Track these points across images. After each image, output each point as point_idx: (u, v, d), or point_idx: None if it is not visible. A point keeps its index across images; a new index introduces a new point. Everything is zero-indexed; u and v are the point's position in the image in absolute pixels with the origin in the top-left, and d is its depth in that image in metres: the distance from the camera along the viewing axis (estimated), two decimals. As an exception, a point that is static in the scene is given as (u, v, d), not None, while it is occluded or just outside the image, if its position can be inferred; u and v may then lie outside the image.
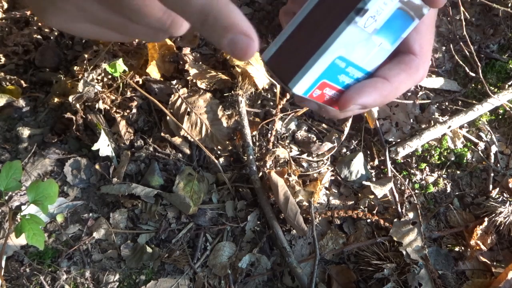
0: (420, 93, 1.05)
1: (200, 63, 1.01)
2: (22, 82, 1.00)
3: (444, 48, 1.07)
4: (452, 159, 1.00)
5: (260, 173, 0.94)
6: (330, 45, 0.33)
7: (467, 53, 1.05)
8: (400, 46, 0.37)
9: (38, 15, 0.32)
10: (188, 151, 0.97)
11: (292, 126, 1.01)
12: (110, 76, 0.97)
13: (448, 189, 0.99)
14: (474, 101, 1.03)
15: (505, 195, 0.96)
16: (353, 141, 1.01)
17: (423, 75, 0.38)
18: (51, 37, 1.03)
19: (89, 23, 0.32)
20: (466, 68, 1.04)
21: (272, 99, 1.02)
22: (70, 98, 0.93)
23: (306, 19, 0.35)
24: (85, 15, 0.31)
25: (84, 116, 0.96)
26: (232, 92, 0.99)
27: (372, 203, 0.96)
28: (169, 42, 0.98)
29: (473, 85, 1.06)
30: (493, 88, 1.04)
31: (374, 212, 0.95)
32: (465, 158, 1.00)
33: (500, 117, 1.04)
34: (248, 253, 0.90)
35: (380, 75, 0.36)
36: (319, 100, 0.37)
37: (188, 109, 0.96)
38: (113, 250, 0.91)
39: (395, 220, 0.93)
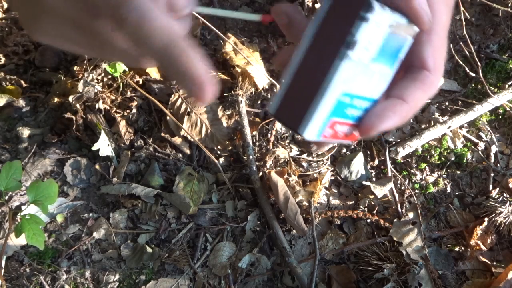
0: (420, 93, 1.05)
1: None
2: (22, 82, 1.00)
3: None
4: (452, 159, 1.00)
5: (260, 173, 0.94)
6: (329, 85, 0.33)
7: (467, 53, 1.05)
8: (412, 60, 0.37)
9: (25, 28, 0.34)
10: (188, 151, 0.97)
11: (292, 126, 1.01)
12: (110, 76, 0.97)
13: (448, 189, 0.99)
14: (474, 101, 1.03)
15: (505, 195, 0.96)
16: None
17: (436, 89, 0.38)
18: (51, 37, 1.03)
19: (70, 42, 0.33)
20: (466, 68, 1.04)
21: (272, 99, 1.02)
22: (70, 98, 0.93)
23: (301, 64, 0.35)
24: (65, 37, 0.32)
25: (84, 116, 0.96)
26: (232, 92, 0.99)
27: (372, 203, 0.96)
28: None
29: (473, 85, 1.06)
30: (493, 88, 1.04)
31: (374, 212, 0.95)
32: (465, 158, 1.00)
33: (500, 117, 1.04)
34: (248, 253, 0.90)
35: (397, 95, 0.36)
36: (334, 138, 0.37)
37: (188, 109, 0.96)
38: (113, 250, 0.91)
39: (395, 220, 0.93)
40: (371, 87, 0.35)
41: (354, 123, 0.37)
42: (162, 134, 0.96)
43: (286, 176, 0.92)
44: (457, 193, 0.98)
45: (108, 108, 0.97)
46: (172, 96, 0.97)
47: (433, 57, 0.37)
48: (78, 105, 0.94)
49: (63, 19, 0.30)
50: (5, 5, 1.05)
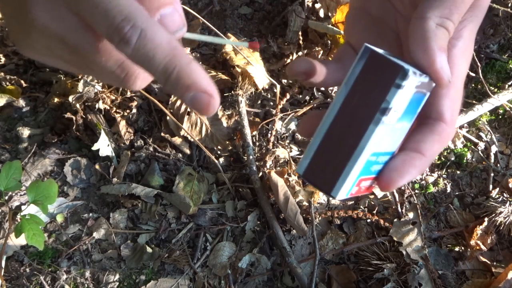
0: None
1: (200, 63, 1.01)
2: (22, 82, 1.00)
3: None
4: (452, 159, 1.00)
5: (260, 173, 0.94)
6: (363, 149, 0.34)
7: (467, 53, 1.05)
8: (430, 112, 0.37)
9: (14, 43, 0.34)
10: (188, 151, 0.97)
11: (292, 126, 1.01)
12: (110, 76, 0.97)
13: (448, 189, 0.99)
14: (474, 101, 1.03)
15: (505, 195, 0.96)
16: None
17: (450, 140, 0.38)
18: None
19: (59, 60, 0.33)
20: (466, 68, 1.04)
21: (272, 99, 1.02)
22: (70, 98, 0.93)
23: (332, 126, 0.35)
24: (55, 55, 0.33)
25: (84, 116, 0.96)
26: (232, 92, 0.99)
27: (372, 203, 0.96)
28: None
29: (473, 85, 1.06)
30: (493, 88, 1.04)
31: (374, 212, 0.95)
32: (465, 158, 1.00)
33: (500, 117, 1.04)
34: (248, 253, 0.90)
35: (415, 149, 0.36)
36: (357, 194, 0.37)
37: (188, 109, 0.96)
38: (113, 250, 0.91)
39: (395, 220, 0.93)
40: (393, 142, 0.36)
41: (375, 177, 0.37)
42: (162, 134, 0.96)
43: (286, 176, 0.92)
44: (457, 193, 0.98)
45: (108, 108, 0.97)
46: (172, 96, 0.97)
47: (451, 109, 0.37)
48: (78, 105, 0.94)
49: (52, 37, 0.31)
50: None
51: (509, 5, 1.08)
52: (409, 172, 0.36)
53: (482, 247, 0.91)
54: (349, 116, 0.35)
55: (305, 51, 1.02)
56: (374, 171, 0.37)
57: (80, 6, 0.29)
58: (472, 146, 1.01)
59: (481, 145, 1.02)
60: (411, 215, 0.93)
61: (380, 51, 0.34)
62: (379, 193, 0.95)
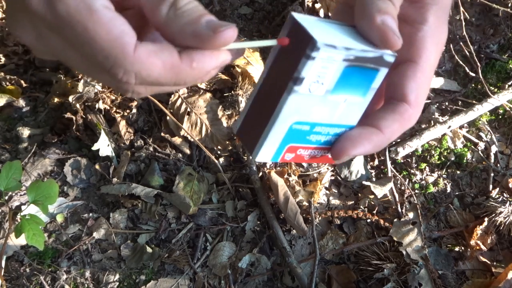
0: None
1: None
2: (22, 82, 1.00)
3: (444, 48, 1.07)
4: (452, 159, 1.00)
5: (260, 173, 0.94)
6: (278, 115, 0.35)
7: (467, 53, 1.05)
8: (394, 93, 0.38)
9: (10, 29, 0.33)
10: (188, 151, 0.97)
11: (292, 126, 1.01)
12: (110, 76, 0.97)
13: (448, 189, 0.99)
14: (474, 101, 1.03)
15: (505, 195, 0.96)
16: (353, 141, 1.01)
17: (414, 123, 0.38)
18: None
19: (51, 50, 0.32)
20: (466, 68, 1.04)
21: (272, 99, 1.02)
22: (70, 98, 0.93)
23: (258, 92, 0.37)
24: (45, 44, 0.31)
25: (84, 116, 0.96)
26: (232, 92, 0.99)
27: (372, 203, 0.96)
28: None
29: (473, 85, 1.06)
30: (493, 88, 1.04)
31: (374, 212, 0.95)
32: (465, 158, 1.00)
33: (500, 117, 1.04)
34: (248, 253, 0.90)
35: (373, 125, 0.37)
36: (299, 161, 0.39)
37: (188, 109, 0.96)
38: (113, 250, 0.91)
39: (395, 220, 0.93)
40: (339, 115, 0.37)
41: (323, 147, 0.39)
42: (162, 134, 0.96)
43: (286, 176, 0.92)
44: (457, 193, 0.98)
45: (108, 108, 0.97)
46: (172, 96, 0.97)
47: (416, 92, 0.37)
48: (78, 105, 0.94)
49: (41, 22, 0.30)
50: (5, 5, 1.05)
51: (509, 5, 1.08)
52: (362, 144, 0.36)
53: (482, 247, 0.91)
54: (271, 82, 0.36)
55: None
56: (317, 141, 0.38)
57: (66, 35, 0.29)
58: (472, 146, 1.01)
59: (481, 145, 1.02)
60: (411, 215, 0.93)
61: (310, 18, 0.35)
62: (379, 193, 0.95)
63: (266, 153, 0.36)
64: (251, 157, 0.38)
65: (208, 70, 0.32)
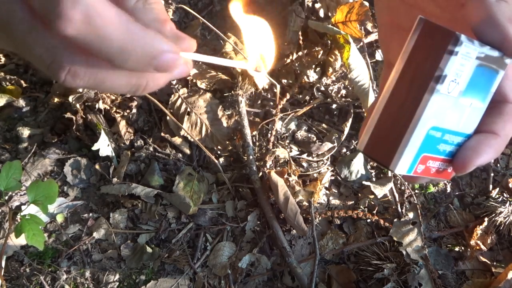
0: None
1: (200, 63, 1.01)
2: (22, 82, 1.00)
3: None
4: (452, 159, 1.00)
5: (260, 173, 0.94)
6: (419, 119, 0.33)
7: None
8: (494, 95, 0.37)
9: None
10: (188, 151, 0.97)
11: (292, 126, 1.01)
12: (110, 76, 0.97)
13: (448, 189, 0.99)
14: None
15: (505, 195, 0.96)
16: (353, 141, 1.01)
17: None
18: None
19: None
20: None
21: (272, 99, 1.02)
22: (70, 98, 0.93)
23: (390, 100, 0.36)
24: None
25: (84, 116, 0.96)
26: (232, 92, 0.99)
27: (372, 203, 0.96)
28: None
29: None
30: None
31: (374, 212, 0.95)
32: (465, 158, 1.00)
33: (500, 117, 1.04)
34: (248, 253, 0.90)
35: (487, 131, 0.36)
36: (426, 175, 0.37)
37: (188, 109, 0.96)
38: (113, 250, 0.91)
39: (395, 220, 0.93)
40: (463, 121, 0.36)
41: (447, 159, 0.37)
42: (162, 134, 0.96)
43: (286, 176, 0.92)
44: (457, 193, 0.98)
45: (108, 108, 0.97)
46: (172, 96, 0.97)
47: None
48: (78, 105, 0.94)
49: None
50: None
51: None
52: (485, 151, 0.35)
53: (482, 247, 0.91)
54: (405, 88, 0.35)
55: (305, 51, 1.02)
56: (444, 152, 0.36)
57: None
58: (472, 146, 1.01)
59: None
60: (411, 215, 0.93)
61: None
62: (379, 193, 0.95)
63: (404, 163, 0.35)
64: (389, 170, 0.37)
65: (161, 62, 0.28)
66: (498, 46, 0.34)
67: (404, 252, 0.89)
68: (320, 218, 0.94)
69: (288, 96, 0.99)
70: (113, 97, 0.98)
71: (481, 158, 0.35)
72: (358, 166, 0.98)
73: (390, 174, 0.97)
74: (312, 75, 1.02)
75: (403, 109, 0.34)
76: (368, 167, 0.99)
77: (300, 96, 1.03)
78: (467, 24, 0.35)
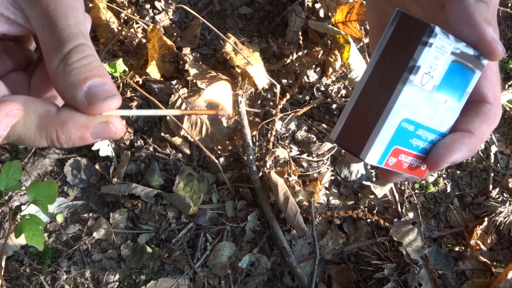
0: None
1: (200, 63, 1.01)
2: (22, 82, 0.99)
3: None
4: (452, 159, 1.00)
5: (260, 173, 0.94)
6: (391, 109, 0.33)
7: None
8: (472, 96, 0.37)
9: None
10: (188, 151, 0.97)
11: (292, 126, 1.01)
12: (110, 76, 0.97)
13: (448, 189, 0.99)
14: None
15: (505, 195, 0.96)
16: (353, 141, 1.01)
17: (499, 120, 0.38)
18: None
19: None
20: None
21: (272, 99, 1.02)
22: (70, 98, 0.93)
23: (363, 91, 0.35)
24: None
25: (84, 116, 0.95)
26: (232, 92, 0.99)
27: (372, 203, 0.96)
28: (169, 42, 0.98)
29: (473, 85, 1.06)
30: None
31: (374, 212, 0.95)
32: (465, 158, 1.00)
33: (500, 117, 1.04)
34: (248, 253, 0.90)
35: (463, 129, 0.36)
36: (398, 169, 0.37)
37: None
38: (113, 250, 0.91)
39: (395, 220, 0.93)
40: (437, 118, 0.36)
41: (420, 155, 0.37)
42: (162, 134, 0.96)
43: (286, 176, 0.92)
44: (457, 193, 0.98)
45: (108, 108, 0.97)
46: (172, 96, 0.97)
47: (492, 90, 0.37)
48: (78, 105, 0.94)
49: None
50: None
51: (509, 5, 1.08)
52: (459, 149, 0.35)
53: (482, 247, 0.91)
54: (379, 78, 0.35)
55: (305, 51, 1.02)
56: (417, 147, 0.36)
57: None
58: (472, 146, 1.01)
59: (481, 145, 1.02)
60: (411, 215, 0.93)
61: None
62: (379, 193, 0.95)
63: (375, 153, 0.35)
64: (359, 160, 0.36)
65: (76, 137, 0.31)
66: (475, 45, 0.35)
67: (404, 252, 0.89)
68: (320, 218, 0.94)
69: (288, 96, 0.99)
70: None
71: (455, 155, 0.35)
72: (358, 166, 0.98)
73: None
74: (312, 75, 1.03)
75: (376, 99, 0.34)
76: (368, 167, 0.99)
77: (300, 96, 1.03)
78: (448, 25, 0.36)
